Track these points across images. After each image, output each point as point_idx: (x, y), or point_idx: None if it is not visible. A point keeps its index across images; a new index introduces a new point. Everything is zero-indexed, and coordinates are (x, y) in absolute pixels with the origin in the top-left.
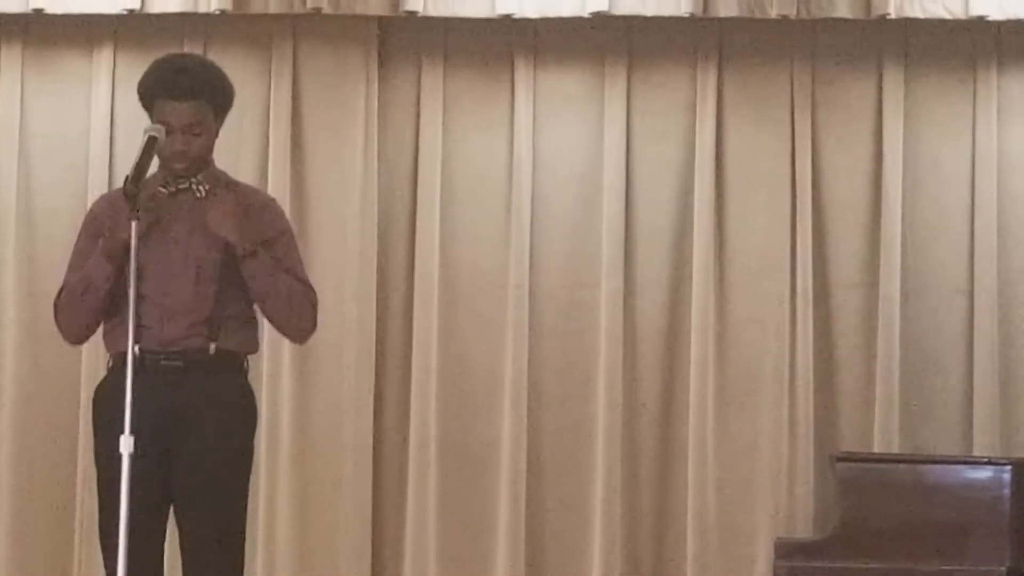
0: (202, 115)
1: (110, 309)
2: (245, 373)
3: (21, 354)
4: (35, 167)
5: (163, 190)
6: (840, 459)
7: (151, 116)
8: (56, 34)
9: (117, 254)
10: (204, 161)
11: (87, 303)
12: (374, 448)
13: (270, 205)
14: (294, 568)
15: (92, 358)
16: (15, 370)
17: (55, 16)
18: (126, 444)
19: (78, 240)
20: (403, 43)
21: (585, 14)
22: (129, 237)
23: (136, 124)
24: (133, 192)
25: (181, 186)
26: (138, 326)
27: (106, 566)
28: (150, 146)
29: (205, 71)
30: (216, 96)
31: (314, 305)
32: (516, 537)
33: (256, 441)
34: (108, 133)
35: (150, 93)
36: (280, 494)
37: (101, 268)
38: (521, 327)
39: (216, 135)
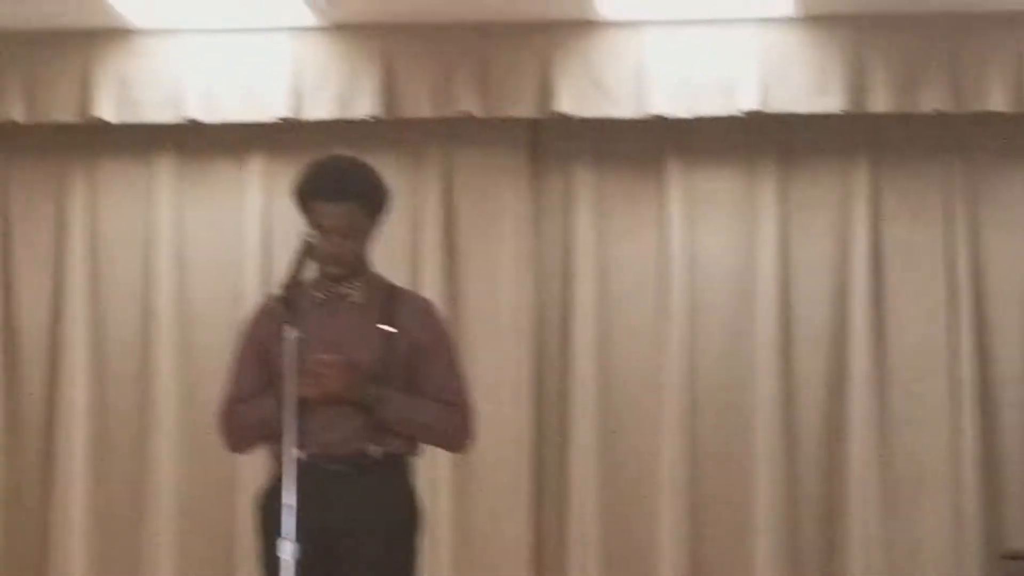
0: (356, 217)
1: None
2: (411, 475)
3: (180, 460)
4: (191, 275)
5: (318, 295)
6: (1007, 556)
7: (305, 218)
8: (209, 143)
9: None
10: (359, 264)
11: (259, 435)
12: (534, 549)
13: (429, 309)
14: None
15: (250, 462)
16: (175, 476)
17: (208, 126)
18: (286, 550)
19: (239, 348)
20: (554, 145)
21: (738, 113)
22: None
23: (291, 231)
24: (286, 297)
25: (337, 291)
26: (301, 431)
27: None
28: (304, 251)
29: (359, 172)
30: (370, 197)
31: (466, 419)
32: None
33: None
34: (261, 240)
35: (304, 195)
36: None
37: (275, 417)
38: (680, 427)
39: (372, 238)
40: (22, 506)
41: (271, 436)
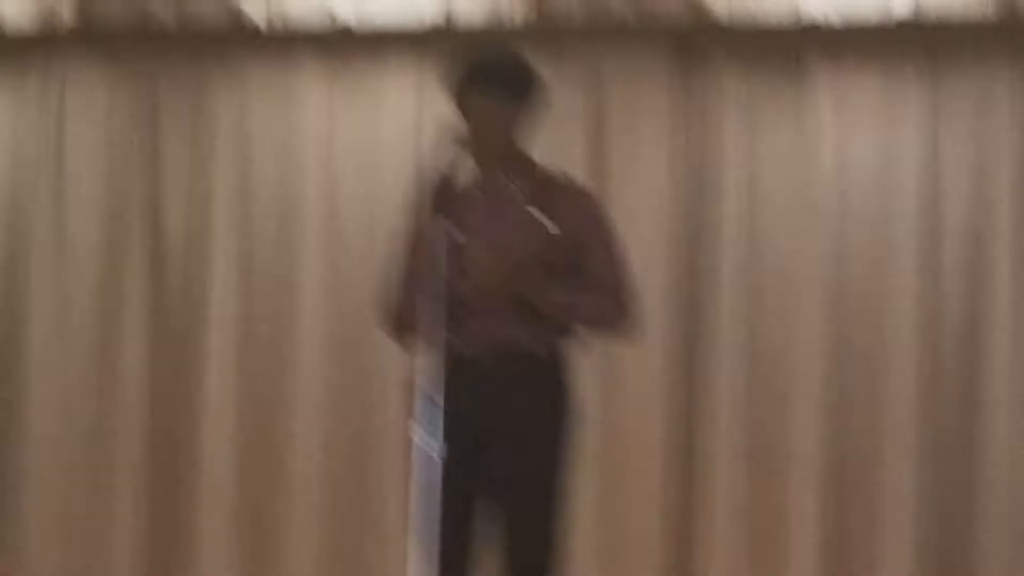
0: (504, 107)
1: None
2: (566, 370)
3: (324, 361)
4: (339, 182)
5: (475, 189)
6: None
7: (458, 112)
8: (359, 49)
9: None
10: (512, 154)
11: (417, 327)
12: (682, 436)
13: (588, 198)
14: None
15: (396, 358)
16: (320, 377)
17: (358, 32)
18: (434, 448)
19: (403, 239)
20: (702, 52)
21: (891, 23)
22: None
23: (440, 137)
24: (437, 191)
25: (493, 182)
26: (464, 327)
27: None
28: (454, 143)
29: (511, 62)
30: (520, 88)
31: (623, 305)
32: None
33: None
34: (411, 146)
35: (456, 87)
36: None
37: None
38: (823, 328)
39: (523, 128)
40: (170, 412)
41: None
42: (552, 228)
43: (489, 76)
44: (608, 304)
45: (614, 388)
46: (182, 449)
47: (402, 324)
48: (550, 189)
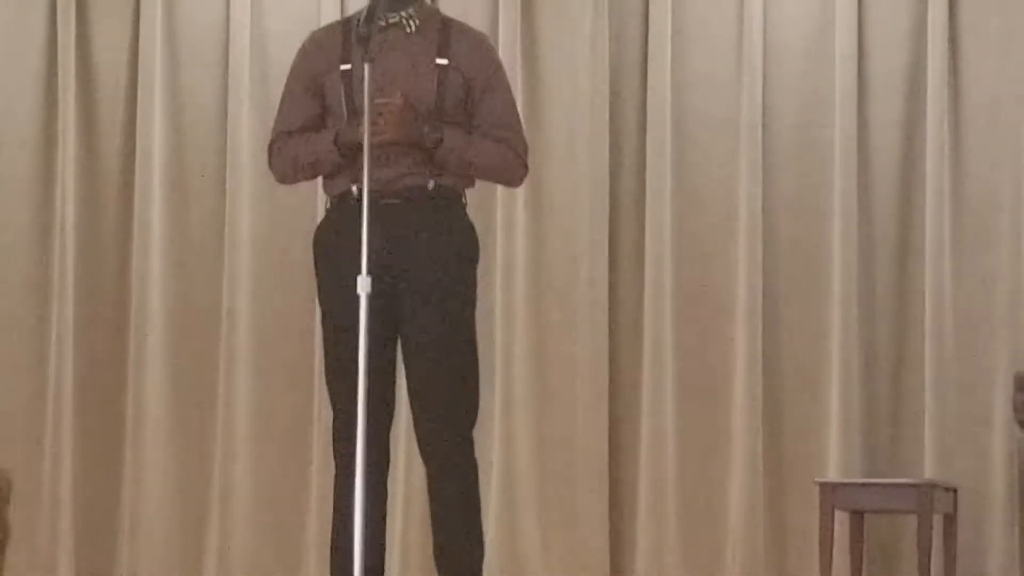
0: None
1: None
2: (464, 207)
3: (256, 198)
4: (268, 20)
5: (379, 22)
6: None
7: None
8: None
9: (350, 153)
10: None
11: (308, 173)
12: (609, 290)
13: (484, 44)
14: (531, 397)
15: (312, 196)
16: (252, 213)
17: None
18: (363, 285)
19: (289, 82)
20: None
21: None
22: (356, 118)
23: None
24: (366, 34)
25: (392, 20)
26: (357, 167)
27: (334, 399)
28: None
29: None
30: None
31: (518, 155)
32: (753, 380)
33: (492, 279)
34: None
35: None
36: (517, 336)
37: (332, 159)
38: (755, 166)
39: None
40: (101, 247)
41: (320, 170)
42: (449, 69)
43: None
44: (506, 152)
45: (543, 230)
46: (113, 278)
47: (284, 163)
48: (447, 30)
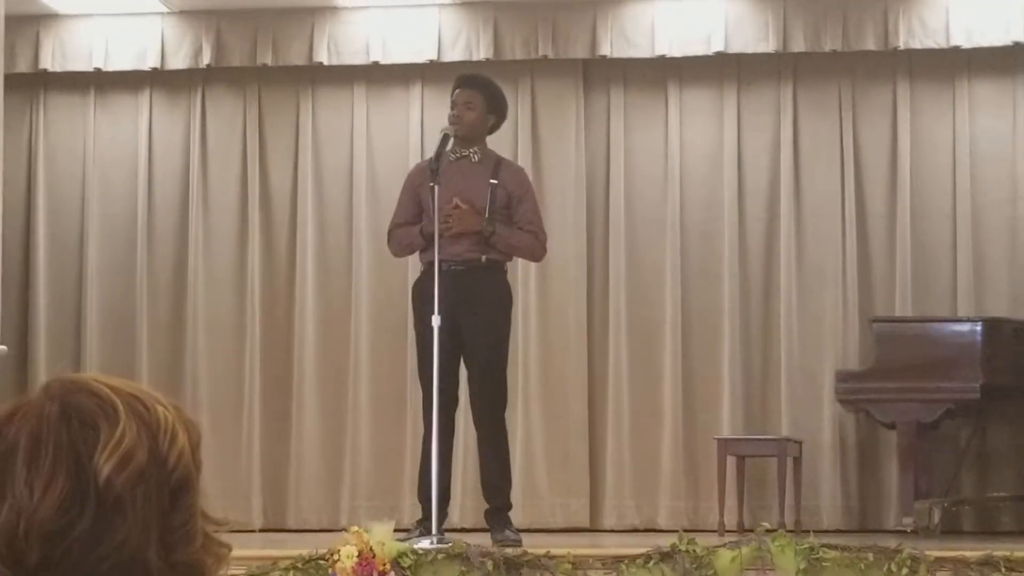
0: (476, 99)
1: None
2: (505, 273)
3: (372, 266)
4: (377, 161)
5: (452, 156)
6: (875, 320)
7: (451, 103)
8: (387, 76)
9: (430, 239)
10: (476, 134)
11: (408, 251)
12: (587, 322)
13: (520, 172)
14: (540, 389)
15: (414, 267)
16: (368, 275)
17: (386, 65)
18: (435, 320)
19: (402, 193)
20: (598, 75)
21: (710, 53)
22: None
23: (438, 130)
24: (435, 166)
25: (463, 154)
26: (438, 246)
27: (423, 388)
28: (444, 139)
29: (487, 79)
30: (488, 91)
31: (542, 244)
32: (675, 373)
33: (514, 316)
34: (420, 139)
35: (454, 88)
36: (531, 351)
37: (418, 241)
38: (675, 239)
39: (487, 121)
40: (276, 296)
41: (416, 247)
42: (497, 187)
43: (466, 78)
44: (533, 241)
45: (544, 287)
46: None
47: (394, 245)
48: (498, 163)
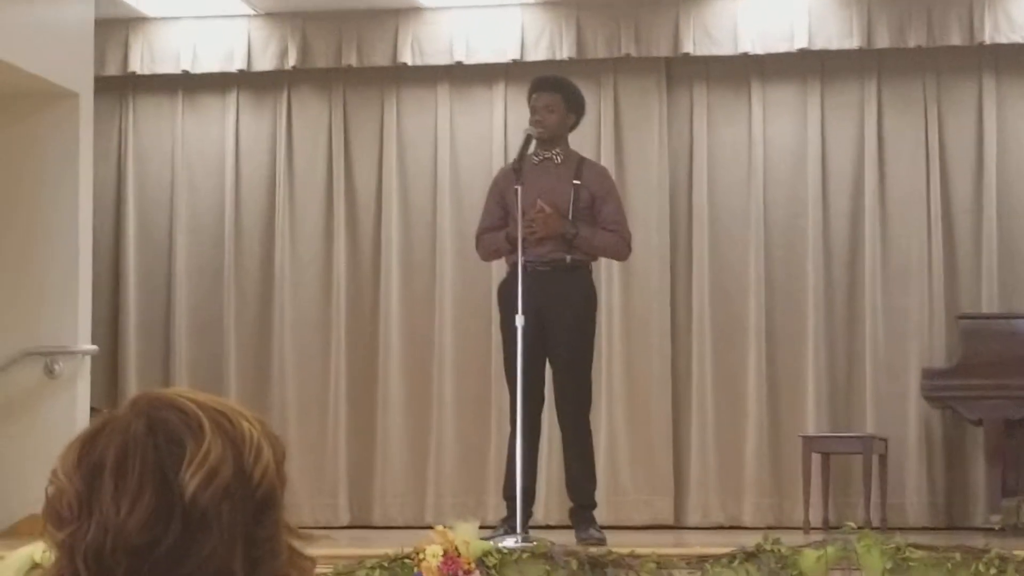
0: (555, 101)
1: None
2: (590, 273)
3: (456, 266)
4: (460, 161)
5: (535, 159)
6: (961, 317)
7: (530, 112)
8: (470, 76)
9: (514, 243)
10: (558, 135)
11: (496, 255)
12: (671, 322)
13: (604, 172)
14: (624, 387)
15: (499, 267)
16: (453, 275)
17: (469, 65)
18: (519, 320)
19: (488, 197)
20: (681, 72)
21: (793, 50)
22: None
23: (520, 130)
24: (517, 167)
25: (546, 156)
26: (523, 247)
27: (509, 387)
28: (527, 140)
29: (563, 79)
30: (566, 92)
31: (627, 243)
32: (760, 372)
33: (598, 317)
34: (503, 138)
35: (529, 93)
36: (614, 351)
37: (504, 245)
38: (759, 238)
39: (568, 122)
40: (361, 293)
41: (504, 252)
42: (581, 187)
43: (546, 80)
44: (618, 240)
45: (627, 287)
46: None
47: (482, 249)
48: (581, 163)
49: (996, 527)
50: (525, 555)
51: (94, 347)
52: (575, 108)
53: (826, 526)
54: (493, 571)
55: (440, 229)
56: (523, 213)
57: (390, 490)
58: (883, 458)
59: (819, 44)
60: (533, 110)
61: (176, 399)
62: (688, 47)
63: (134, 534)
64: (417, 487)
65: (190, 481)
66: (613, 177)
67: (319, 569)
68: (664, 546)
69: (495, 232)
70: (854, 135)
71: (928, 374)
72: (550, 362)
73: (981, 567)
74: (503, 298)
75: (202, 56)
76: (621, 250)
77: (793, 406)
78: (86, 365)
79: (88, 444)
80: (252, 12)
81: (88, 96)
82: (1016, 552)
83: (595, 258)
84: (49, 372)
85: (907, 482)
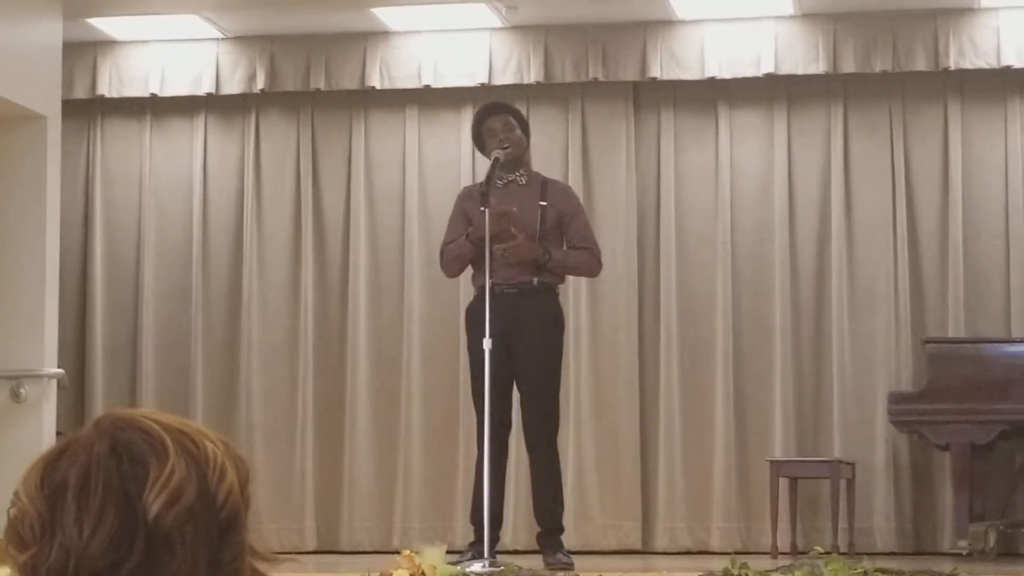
0: (510, 121)
1: (473, 262)
2: (557, 296)
3: (424, 289)
4: (428, 184)
5: (499, 182)
6: (927, 341)
7: (482, 139)
8: (438, 100)
9: (478, 243)
10: (521, 156)
11: (459, 263)
12: (638, 343)
13: (568, 190)
14: (591, 411)
15: (466, 290)
16: (420, 299)
17: (437, 88)
18: (487, 343)
19: (452, 213)
20: (648, 97)
21: (760, 74)
22: (482, 225)
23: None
24: (484, 191)
25: (511, 178)
26: (490, 269)
27: (477, 411)
28: (495, 162)
29: (505, 103)
30: (515, 112)
31: (598, 258)
32: (727, 395)
33: (566, 340)
34: (471, 161)
35: (479, 121)
36: (582, 374)
37: (467, 248)
38: (726, 261)
39: (525, 141)
40: (329, 319)
41: (467, 256)
42: (547, 208)
43: (496, 106)
44: (590, 257)
45: (595, 306)
46: None
47: (445, 261)
48: (545, 183)
49: (964, 552)
50: None
51: (60, 370)
52: (525, 128)
53: (794, 551)
54: None
55: (408, 253)
56: (493, 239)
57: (357, 514)
58: (850, 482)
59: (785, 69)
60: (492, 133)
61: (140, 420)
62: (655, 71)
63: (97, 556)
64: (384, 511)
65: (153, 502)
66: (578, 197)
67: None
68: (632, 571)
69: (458, 241)
70: (820, 159)
71: (895, 398)
72: (517, 385)
73: None
74: (471, 321)
75: (170, 79)
76: (594, 266)
77: (760, 430)
78: (52, 389)
79: (51, 465)
80: (220, 36)
81: (56, 119)
82: None
83: (563, 279)
84: (15, 396)
85: (875, 507)
